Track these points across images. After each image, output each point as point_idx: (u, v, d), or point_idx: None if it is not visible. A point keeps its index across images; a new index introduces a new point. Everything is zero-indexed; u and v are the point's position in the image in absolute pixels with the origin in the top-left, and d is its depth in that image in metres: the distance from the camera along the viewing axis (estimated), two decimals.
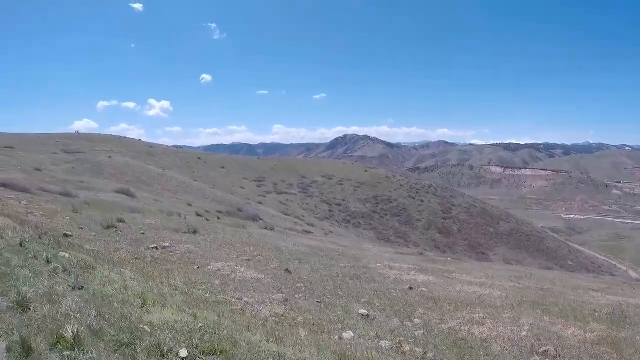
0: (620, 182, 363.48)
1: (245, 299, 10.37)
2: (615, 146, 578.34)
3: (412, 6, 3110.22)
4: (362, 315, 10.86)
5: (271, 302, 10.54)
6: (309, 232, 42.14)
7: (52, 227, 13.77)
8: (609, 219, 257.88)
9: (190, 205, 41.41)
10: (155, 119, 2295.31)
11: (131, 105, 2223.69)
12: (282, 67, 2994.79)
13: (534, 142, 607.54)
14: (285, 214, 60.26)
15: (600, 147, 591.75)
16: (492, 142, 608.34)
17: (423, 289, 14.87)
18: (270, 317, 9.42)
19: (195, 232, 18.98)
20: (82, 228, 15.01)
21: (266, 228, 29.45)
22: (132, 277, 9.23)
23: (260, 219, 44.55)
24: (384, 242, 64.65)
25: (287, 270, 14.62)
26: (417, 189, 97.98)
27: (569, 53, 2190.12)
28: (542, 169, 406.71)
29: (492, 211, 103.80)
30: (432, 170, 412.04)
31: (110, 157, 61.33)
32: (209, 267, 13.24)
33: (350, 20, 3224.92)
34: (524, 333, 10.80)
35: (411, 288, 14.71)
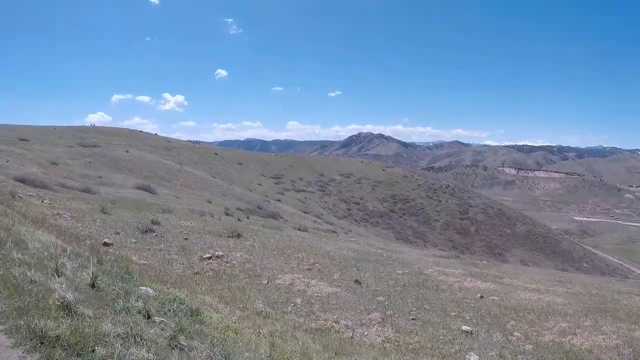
0: (632, 186, 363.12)
1: (343, 321, 9.89)
2: (628, 150, 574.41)
3: (428, 7, 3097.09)
4: (466, 332, 10.40)
5: (371, 324, 10.02)
6: (334, 232, 41.27)
7: (87, 233, 12.95)
8: (621, 222, 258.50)
9: (210, 202, 40.82)
10: (169, 113, 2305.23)
11: (145, 99, 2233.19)
12: (298, 63, 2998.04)
13: (547, 144, 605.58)
14: (304, 212, 59.54)
15: (613, 151, 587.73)
16: (506, 143, 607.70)
17: (494, 297, 14.30)
18: (383, 342, 8.97)
19: (239, 236, 17.90)
20: (118, 233, 14.01)
21: (299, 229, 28.44)
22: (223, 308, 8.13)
23: (281, 217, 43.93)
24: (402, 242, 63.87)
25: (356, 281, 14.02)
26: (435, 189, 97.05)
27: (585, 57, 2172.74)
28: (555, 172, 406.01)
29: (508, 212, 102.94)
30: (445, 170, 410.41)
31: (127, 152, 60.76)
32: (278, 281, 12.57)
33: (368, 19, 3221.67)
34: (616, 341, 10.55)
35: (482, 297, 14.14)
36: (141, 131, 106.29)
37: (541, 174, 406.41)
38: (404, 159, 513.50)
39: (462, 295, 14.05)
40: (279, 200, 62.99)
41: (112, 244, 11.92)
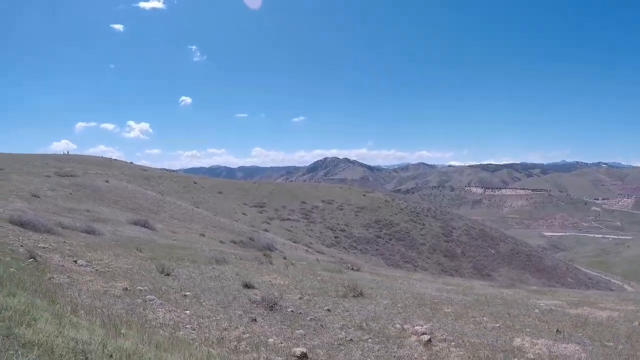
0: (598, 199, 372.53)
1: None
2: (592, 164, 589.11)
3: (387, 28, 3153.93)
4: None
5: None
6: (350, 264, 39.41)
7: (234, 334, 9.11)
8: (590, 235, 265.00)
9: (203, 235, 38.56)
10: (134, 141, 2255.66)
11: (110, 126, 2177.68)
12: (261, 90, 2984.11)
13: (512, 162, 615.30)
14: (293, 242, 57.46)
15: (577, 165, 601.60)
16: (471, 163, 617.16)
17: None
18: None
19: (361, 294, 14.47)
20: (255, 320, 10.29)
21: (352, 268, 25.95)
22: None
23: (275, 249, 42.03)
24: (393, 267, 62.34)
25: (557, 330, 12.06)
26: (417, 213, 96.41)
27: (542, 74, 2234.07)
28: (521, 189, 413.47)
29: (490, 232, 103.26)
30: (413, 192, 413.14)
31: (107, 182, 57.71)
32: (539, 350, 10.16)
33: (329, 43, 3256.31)
34: None
35: None
36: (115, 159, 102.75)
37: (508, 191, 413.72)
38: (371, 183, 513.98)
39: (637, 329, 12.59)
40: (266, 230, 60.86)
41: (306, 354, 8.51)
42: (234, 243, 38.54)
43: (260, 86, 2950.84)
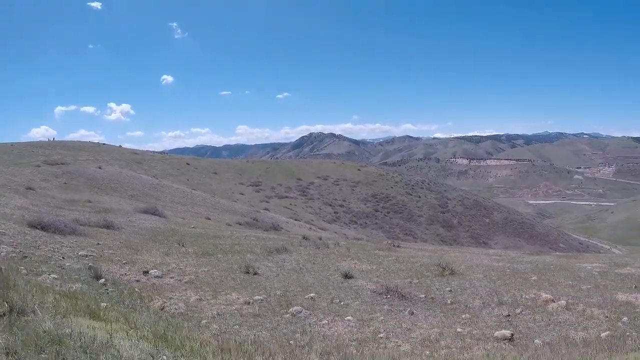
0: (580, 168, 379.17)
1: None
2: (573, 134, 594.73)
3: (369, 5, 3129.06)
4: None
5: None
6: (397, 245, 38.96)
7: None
8: (574, 202, 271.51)
9: (209, 219, 37.60)
10: (115, 124, 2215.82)
11: (90, 109, 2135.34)
12: (245, 66, 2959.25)
13: (495, 133, 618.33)
14: (295, 220, 56.87)
15: (559, 136, 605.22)
16: (455, 135, 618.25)
17: None
18: None
19: (453, 271, 14.08)
20: (412, 312, 9.98)
21: (394, 245, 25.34)
22: None
23: (281, 228, 41.26)
24: (393, 239, 62.21)
25: (635, 286, 12.63)
26: (412, 185, 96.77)
27: (522, 47, 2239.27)
28: (506, 159, 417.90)
29: (484, 202, 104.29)
30: (399, 165, 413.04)
31: (100, 168, 56.17)
32: None
33: (312, 17, 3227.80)
34: None
35: None
36: (104, 144, 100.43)
37: (492, 162, 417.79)
38: (357, 157, 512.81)
39: None
40: (266, 210, 60.07)
41: (513, 335, 8.43)
42: (240, 224, 37.77)
43: (244, 63, 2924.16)
